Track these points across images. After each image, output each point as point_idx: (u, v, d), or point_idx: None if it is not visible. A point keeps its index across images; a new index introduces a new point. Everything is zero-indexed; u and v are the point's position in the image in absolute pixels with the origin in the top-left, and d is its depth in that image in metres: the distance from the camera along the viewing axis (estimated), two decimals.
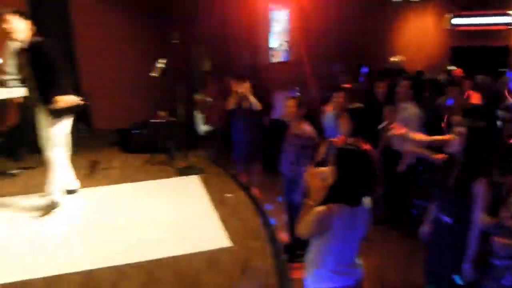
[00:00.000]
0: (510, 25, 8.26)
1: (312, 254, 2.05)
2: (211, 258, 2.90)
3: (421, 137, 3.11)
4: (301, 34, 11.28)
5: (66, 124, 3.62)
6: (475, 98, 4.88)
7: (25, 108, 4.79)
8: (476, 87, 5.21)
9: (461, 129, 2.40)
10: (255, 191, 4.46)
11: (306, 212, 1.99)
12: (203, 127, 7.08)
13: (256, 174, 5.37)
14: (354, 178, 1.92)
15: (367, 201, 1.98)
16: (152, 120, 5.68)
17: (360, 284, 2.06)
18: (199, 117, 7.28)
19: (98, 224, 3.42)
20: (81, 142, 4.97)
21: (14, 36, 3.38)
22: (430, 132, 3.46)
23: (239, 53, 9.36)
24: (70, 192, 3.96)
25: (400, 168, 4.03)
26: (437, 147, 2.82)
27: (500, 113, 4.51)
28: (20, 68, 3.55)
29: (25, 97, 3.70)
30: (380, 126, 3.79)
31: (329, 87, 6.40)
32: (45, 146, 3.62)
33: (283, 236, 3.61)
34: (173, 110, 6.33)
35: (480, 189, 2.29)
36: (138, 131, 5.51)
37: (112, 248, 3.03)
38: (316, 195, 2.00)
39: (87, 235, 3.24)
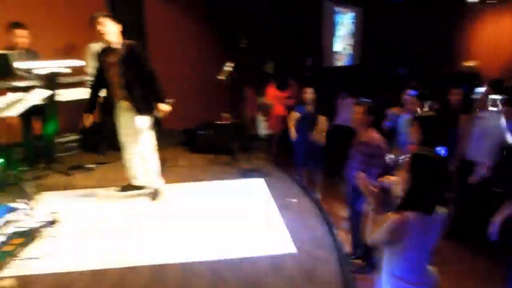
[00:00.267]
0: None
1: (384, 263, 1.99)
2: (275, 262, 2.89)
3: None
4: (366, 37, 11.02)
5: (147, 121, 3.82)
6: None
7: (105, 106, 5.13)
8: None
9: None
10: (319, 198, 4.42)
11: (375, 219, 1.96)
12: (264, 130, 7.12)
13: (318, 180, 5.31)
14: (428, 184, 1.86)
15: (441, 210, 1.90)
16: (217, 122, 5.81)
17: None
18: (261, 119, 7.34)
19: (166, 220, 3.55)
20: None
21: (107, 38, 3.60)
22: None
23: (302, 56, 9.33)
24: (138, 188, 4.15)
25: (473, 180, 3.78)
26: None
27: None
28: (107, 68, 3.72)
29: (106, 96, 3.91)
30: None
31: (395, 91, 6.18)
32: (128, 142, 3.87)
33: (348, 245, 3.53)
34: (236, 112, 6.48)
35: None
36: (203, 132, 5.67)
37: (180, 244, 3.13)
38: (376, 203, 2.00)
39: (155, 230, 3.37)
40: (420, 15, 9.29)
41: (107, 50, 3.70)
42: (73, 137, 5.52)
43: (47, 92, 3.56)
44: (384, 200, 2.12)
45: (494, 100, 3.86)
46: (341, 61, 11.15)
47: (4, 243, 2.95)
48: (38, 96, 3.42)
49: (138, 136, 3.81)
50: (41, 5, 5.43)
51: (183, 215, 3.65)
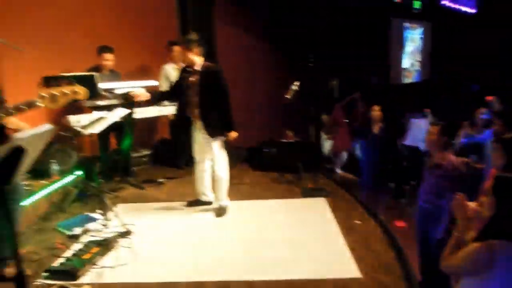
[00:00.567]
0: None
1: None
2: (339, 287, 2.82)
3: None
4: (435, 53, 10.56)
5: (220, 142, 3.99)
6: None
7: (176, 124, 5.41)
8: None
9: None
10: (398, 223, 4.27)
11: (456, 245, 1.83)
12: (329, 149, 7.04)
13: (384, 201, 5.13)
14: None
15: None
16: (282, 140, 5.85)
17: None
18: (325, 138, 7.27)
19: (229, 237, 3.62)
20: None
21: (191, 59, 3.78)
22: None
23: (368, 73, 9.14)
24: (205, 203, 4.28)
25: None
26: None
27: None
28: (187, 87, 3.90)
29: (177, 114, 4.13)
30: None
31: (468, 110, 5.83)
32: (200, 159, 4.07)
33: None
34: (300, 130, 6.48)
35: None
36: (267, 150, 5.73)
37: (243, 262, 3.17)
38: (465, 228, 1.84)
39: (219, 246, 3.45)
40: (493, 28, 8.73)
41: (189, 70, 3.88)
42: (145, 152, 5.85)
43: (126, 111, 3.83)
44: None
45: None
46: (410, 78, 10.77)
47: (82, 251, 3.17)
48: (118, 114, 3.70)
49: (211, 154, 3.97)
50: (122, 30, 5.90)
51: (246, 233, 3.70)
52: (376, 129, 5.18)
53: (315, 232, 3.66)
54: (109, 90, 4.68)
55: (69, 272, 2.89)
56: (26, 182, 3.85)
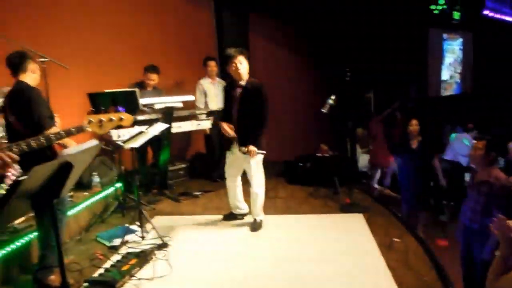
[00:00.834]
0: None
1: None
2: None
3: None
4: (476, 64, 10.21)
5: (258, 158, 3.95)
6: None
7: (212, 138, 5.50)
8: None
9: None
10: (439, 241, 4.12)
11: (499, 269, 1.74)
12: (365, 163, 6.92)
13: (423, 218, 4.96)
14: None
15: None
16: (318, 154, 5.80)
17: None
18: (360, 152, 7.15)
19: (263, 252, 3.58)
20: None
21: (238, 73, 3.78)
22: None
23: (406, 86, 8.95)
24: (239, 217, 4.29)
25: None
26: None
27: None
28: (231, 101, 3.91)
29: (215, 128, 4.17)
30: None
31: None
32: (237, 174, 4.07)
33: None
34: (335, 144, 6.41)
35: None
36: (303, 164, 5.69)
37: (277, 277, 3.13)
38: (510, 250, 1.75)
39: (253, 261, 3.42)
40: None
41: (235, 85, 3.88)
42: (182, 165, 5.95)
43: (165, 125, 3.92)
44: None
45: None
46: (449, 90, 10.45)
47: (121, 262, 3.24)
48: (157, 129, 3.79)
49: (248, 170, 3.96)
50: (162, 46, 6.12)
51: (281, 248, 3.65)
52: (414, 143, 5.03)
53: (352, 249, 3.57)
54: (149, 105, 4.83)
55: (108, 283, 2.96)
56: (70, 194, 4.01)
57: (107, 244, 3.77)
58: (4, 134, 3.67)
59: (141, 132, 3.56)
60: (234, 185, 4.16)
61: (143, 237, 3.84)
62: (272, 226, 4.14)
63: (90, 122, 1.78)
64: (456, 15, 9.17)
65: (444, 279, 3.06)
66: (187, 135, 6.31)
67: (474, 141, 3.21)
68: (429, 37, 9.53)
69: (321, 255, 3.47)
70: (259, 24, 7.27)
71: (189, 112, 5.38)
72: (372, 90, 7.88)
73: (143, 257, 3.34)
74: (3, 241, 3.18)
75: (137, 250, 3.49)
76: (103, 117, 1.80)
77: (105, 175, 4.82)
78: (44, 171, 1.59)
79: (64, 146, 2.63)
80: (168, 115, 4.75)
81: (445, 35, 10.00)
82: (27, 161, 1.74)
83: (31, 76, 2.97)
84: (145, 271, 3.23)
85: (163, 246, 3.63)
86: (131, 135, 3.48)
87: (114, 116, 1.82)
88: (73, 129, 1.74)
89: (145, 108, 4.79)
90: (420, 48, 9.22)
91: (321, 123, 6.50)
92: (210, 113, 5.51)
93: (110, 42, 5.51)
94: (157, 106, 4.85)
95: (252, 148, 3.77)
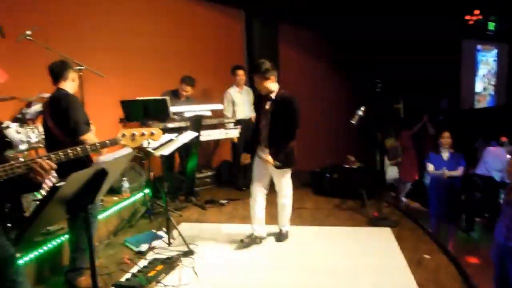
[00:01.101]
0: None
1: None
2: None
3: None
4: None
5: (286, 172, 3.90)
6: None
7: (239, 147, 5.53)
8: None
9: None
10: (470, 259, 3.98)
11: None
12: (393, 176, 6.79)
13: (453, 234, 4.81)
14: None
15: None
16: (345, 165, 5.73)
17: None
18: (388, 164, 7.03)
19: (289, 263, 3.56)
20: None
21: (267, 86, 3.67)
22: None
23: (437, 97, 8.75)
24: (258, 241, 4.06)
25: None
26: None
27: None
28: (260, 114, 3.86)
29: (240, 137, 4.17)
30: None
31: None
32: (264, 185, 3.94)
33: None
34: (361, 155, 6.31)
35: None
36: (330, 175, 5.63)
37: None
38: None
39: (279, 272, 3.40)
40: None
41: (265, 97, 3.79)
42: (208, 173, 6.01)
43: (194, 134, 3.98)
44: None
45: None
46: (482, 103, 10.14)
47: (147, 267, 3.28)
48: (187, 137, 3.85)
49: (277, 179, 3.89)
50: (192, 55, 6.24)
51: (306, 259, 3.62)
52: (446, 156, 4.91)
53: (380, 264, 3.49)
54: (179, 113, 4.92)
55: None
56: (100, 198, 4.11)
57: (135, 249, 3.84)
58: (40, 138, 3.83)
59: (171, 140, 3.62)
60: (258, 203, 3.91)
61: (169, 244, 3.89)
62: (298, 237, 4.11)
63: (123, 135, 1.87)
64: (491, 26, 8.93)
65: None
66: (214, 143, 6.37)
67: (509, 156, 3.10)
68: (462, 48, 9.30)
69: (347, 269, 3.41)
70: (289, 33, 7.30)
71: (218, 120, 5.44)
72: (401, 100, 7.76)
73: (169, 264, 3.37)
74: (37, 243, 3.29)
75: (164, 257, 3.53)
76: (136, 131, 1.91)
77: (134, 181, 4.93)
78: (81, 177, 1.65)
79: (98, 153, 2.72)
80: (197, 123, 4.83)
81: (479, 46, 9.75)
82: (64, 168, 1.81)
83: (70, 84, 3.10)
84: (171, 278, 3.26)
85: (189, 253, 3.66)
86: (161, 143, 3.55)
87: (146, 131, 1.94)
88: (108, 142, 1.83)
89: (175, 116, 4.88)
90: (453, 59, 9.01)
91: (348, 133, 6.43)
92: (238, 122, 5.56)
93: (143, 51, 5.67)
94: (186, 114, 4.94)
95: (270, 159, 3.68)
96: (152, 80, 5.62)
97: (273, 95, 3.74)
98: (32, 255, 3.15)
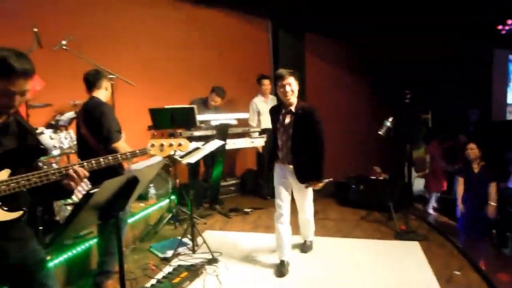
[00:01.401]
0: None
1: None
2: None
3: None
4: None
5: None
6: None
7: (264, 156, 5.55)
8: None
9: None
10: (502, 276, 3.82)
11: None
12: (419, 188, 6.63)
13: (484, 250, 4.64)
14: None
15: None
16: (371, 177, 5.65)
17: None
18: (415, 176, 6.87)
19: (313, 275, 3.52)
20: None
21: (288, 97, 3.38)
22: None
23: (467, 108, 8.53)
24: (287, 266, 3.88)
25: None
26: None
27: None
28: (279, 128, 3.57)
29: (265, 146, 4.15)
30: None
31: None
32: (284, 205, 3.63)
33: None
34: (388, 166, 6.20)
35: None
36: (355, 186, 5.56)
37: None
38: None
39: (301, 282, 3.37)
40: None
41: (283, 110, 3.51)
42: (233, 181, 6.04)
43: (221, 142, 4.01)
44: None
45: None
46: None
47: (172, 274, 3.31)
48: (213, 145, 3.88)
49: (300, 194, 3.70)
50: (220, 65, 6.32)
51: (330, 272, 3.57)
52: (476, 168, 4.76)
53: (407, 279, 3.40)
54: (205, 122, 4.98)
55: None
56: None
57: (160, 255, 3.89)
58: (72, 144, 3.95)
59: (197, 148, 3.67)
60: (283, 225, 3.60)
61: (194, 251, 3.91)
62: (322, 248, 4.06)
63: (152, 145, 1.95)
64: None
65: None
66: (239, 151, 6.41)
67: None
68: (494, 58, 9.05)
69: (373, 284, 3.34)
70: (315, 43, 7.30)
71: (243, 129, 5.48)
72: (430, 110, 7.60)
73: (194, 271, 3.40)
74: (66, 246, 3.38)
75: (188, 264, 3.56)
76: (164, 142, 1.98)
77: (160, 188, 5.00)
78: (113, 185, 1.69)
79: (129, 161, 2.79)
80: (223, 131, 4.87)
81: (511, 56, 9.46)
82: (95, 175, 1.86)
83: (103, 93, 3.20)
84: (195, 285, 3.28)
85: (213, 261, 3.68)
86: (188, 151, 3.59)
87: (174, 141, 2.00)
88: (138, 151, 1.90)
89: (202, 124, 4.94)
90: (484, 69, 8.78)
91: (374, 144, 6.34)
92: (263, 131, 5.58)
93: (171, 61, 5.79)
94: (213, 123, 4.99)
95: (318, 184, 3.52)
96: (179, 89, 5.73)
97: (292, 108, 3.46)
98: (62, 258, 3.24)
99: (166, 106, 4.24)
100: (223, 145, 4.53)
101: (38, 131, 3.80)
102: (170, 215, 4.71)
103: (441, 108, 7.62)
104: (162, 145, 1.96)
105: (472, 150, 4.74)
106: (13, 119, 1.72)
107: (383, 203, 5.01)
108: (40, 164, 1.89)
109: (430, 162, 6.28)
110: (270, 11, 6.92)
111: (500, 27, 8.03)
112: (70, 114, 4.22)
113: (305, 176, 3.51)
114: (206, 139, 4.27)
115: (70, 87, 3.84)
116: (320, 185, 3.55)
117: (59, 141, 3.89)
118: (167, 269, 3.52)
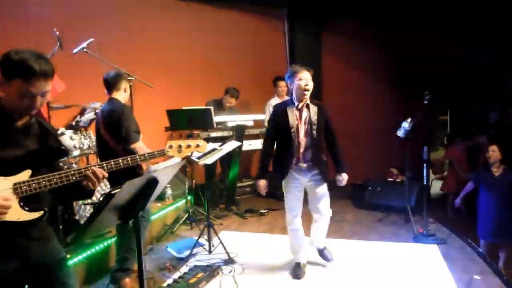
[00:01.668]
0: None
1: None
2: None
3: None
4: None
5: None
6: None
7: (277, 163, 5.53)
8: None
9: None
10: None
11: None
12: (437, 190, 6.53)
13: (505, 256, 4.53)
14: None
15: None
16: (389, 179, 5.58)
17: None
18: (433, 178, 6.78)
19: (328, 276, 3.51)
20: None
21: (305, 95, 3.29)
22: None
23: (487, 109, 8.35)
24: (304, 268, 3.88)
25: None
26: None
27: None
28: (291, 127, 3.40)
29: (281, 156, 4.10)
30: None
31: None
32: (297, 210, 3.69)
33: None
34: (406, 168, 6.10)
35: None
36: (372, 188, 5.51)
37: None
38: None
39: (317, 284, 3.37)
40: None
41: (295, 106, 3.38)
42: (248, 182, 6.05)
43: (237, 143, 4.02)
44: None
45: None
46: None
47: (188, 274, 3.33)
48: (230, 146, 3.90)
49: (316, 194, 3.59)
50: (237, 67, 6.35)
51: (347, 275, 3.53)
52: (497, 171, 4.65)
53: (426, 284, 3.34)
54: (222, 123, 5.01)
55: None
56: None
57: (176, 255, 3.92)
58: (92, 145, 4.02)
59: (214, 149, 3.68)
60: (297, 228, 3.61)
61: (210, 251, 3.93)
62: (338, 251, 4.02)
63: (171, 146, 1.95)
64: None
65: None
66: (255, 152, 6.41)
67: None
68: None
69: (392, 287, 3.30)
70: (332, 44, 7.25)
71: (259, 130, 5.48)
72: (448, 111, 7.47)
73: (210, 272, 3.41)
74: (86, 245, 3.44)
75: (204, 264, 3.58)
76: (182, 143, 1.98)
77: (177, 188, 5.05)
78: (134, 186, 1.72)
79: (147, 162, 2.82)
80: (239, 133, 4.89)
81: None
82: (114, 175, 1.89)
83: (122, 94, 3.25)
84: (211, 285, 3.30)
85: (229, 262, 3.69)
86: (205, 152, 3.61)
87: (192, 143, 2.00)
88: (156, 153, 1.91)
89: (218, 126, 4.97)
90: (506, 70, 8.58)
91: (391, 145, 6.25)
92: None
93: (188, 63, 5.87)
94: (229, 124, 5.02)
95: (346, 176, 3.50)
96: (196, 90, 5.78)
97: (309, 103, 3.37)
98: (81, 256, 3.29)
99: (183, 108, 4.28)
100: (240, 146, 4.55)
101: (58, 132, 3.88)
102: (186, 215, 4.75)
103: (460, 109, 7.49)
104: (180, 146, 1.97)
105: (494, 152, 4.63)
106: (35, 121, 1.75)
107: (400, 205, 4.95)
108: (61, 164, 1.92)
109: (450, 164, 6.18)
110: (286, 11, 6.93)
111: None
112: (90, 115, 4.30)
113: (326, 173, 3.46)
114: (222, 140, 4.30)
115: (90, 88, 3.91)
116: (347, 177, 3.54)
117: (79, 142, 3.96)
118: (184, 269, 3.54)
